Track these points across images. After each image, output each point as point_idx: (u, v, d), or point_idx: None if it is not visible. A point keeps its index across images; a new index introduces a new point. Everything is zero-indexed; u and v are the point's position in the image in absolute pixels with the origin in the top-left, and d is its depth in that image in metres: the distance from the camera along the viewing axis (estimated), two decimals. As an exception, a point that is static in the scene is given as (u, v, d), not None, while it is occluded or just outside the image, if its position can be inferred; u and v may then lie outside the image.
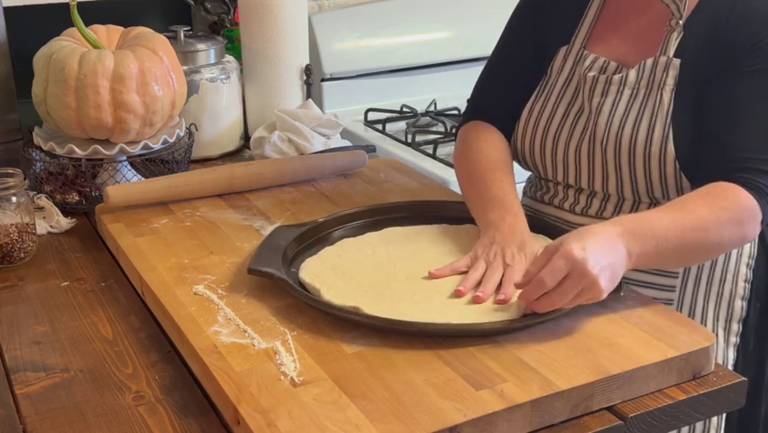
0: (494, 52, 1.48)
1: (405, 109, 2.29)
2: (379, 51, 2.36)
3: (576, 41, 1.38)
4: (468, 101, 1.50)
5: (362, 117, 2.27)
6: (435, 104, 2.33)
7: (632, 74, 1.30)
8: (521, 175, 1.49)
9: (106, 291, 1.31)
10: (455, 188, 1.75)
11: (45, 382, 1.08)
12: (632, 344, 1.06)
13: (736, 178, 1.20)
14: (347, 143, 1.89)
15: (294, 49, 1.90)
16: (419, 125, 2.23)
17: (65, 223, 1.53)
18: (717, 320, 1.34)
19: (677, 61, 1.26)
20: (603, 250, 1.06)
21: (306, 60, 1.93)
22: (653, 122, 1.26)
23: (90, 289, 1.32)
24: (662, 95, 1.27)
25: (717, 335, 1.33)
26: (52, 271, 1.38)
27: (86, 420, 1.01)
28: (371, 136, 2.17)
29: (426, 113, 2.29)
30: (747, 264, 1.34)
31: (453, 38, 2.44)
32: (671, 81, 1.26)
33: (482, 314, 1.10)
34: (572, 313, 1.11)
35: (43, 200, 1.55)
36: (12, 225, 1.38)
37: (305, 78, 1.93)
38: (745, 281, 1.34)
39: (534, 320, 1.08)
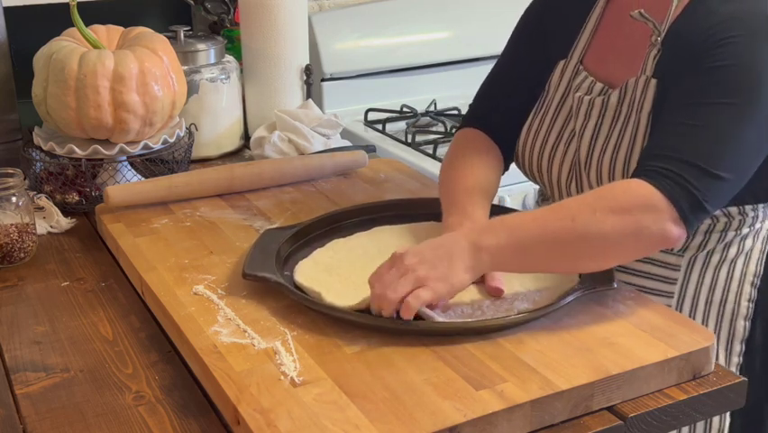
0: (497, 62, 1.46)
1: (405, 109, 2.29)
2: (379, 51, 2.36)
3: (573, 56, 1.34)
4: (469, 106, 1.48)
5: (362, 117, 2.27)
6: (435, 104, 2.33)
7: (613, 96, 1.25)
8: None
9: (106, 291, 1.31)
10: (455, 188, 1.75)
11: (45, 382, 1.08)
12: (632, 344, 1.05)
13: (643, 169, 1.12)
14: (347, 143, 1.89)
15: (294, 49, 1.90)
16: (419, 125, 2.23)
17: (65, 223, 1.53)
18: (718, 340, 1.30)
19: (654, 81, 1.21)
20: (430, 246, 1.08)
21: (306, 60, 1.93)
22: (632, 147, 1.22)
23: (90, 289, 1.32)
24: (639, 117, 1.22)
25: (717, 355, 1.28)
26: (52, 271, 1.38)
27: (86, 420, 1.01)
28: (371, 136, 2.17)
29: (426, 113, 2.29)
30: (752, 283, 1.29)
31: (453, 38, 2.44)
32: (648, 103, 1.21)
33: (494, 310, 1.10)
34: (572, 313, 1.11)
35: (43, 200, 1.55)
36: (12, 225, 1.38)
37: (305, 78, 1.93)
38: (749, 301, 1.29)
39: (533, 316, 1.08)
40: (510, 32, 1.47)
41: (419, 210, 1.39)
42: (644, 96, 1.22)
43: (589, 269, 1.13)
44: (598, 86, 1.29)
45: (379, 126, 2.23)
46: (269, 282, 1.16)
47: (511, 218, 1.11)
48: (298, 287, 1.18)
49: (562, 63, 1.35)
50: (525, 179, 1.52)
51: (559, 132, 1.33)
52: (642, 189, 1.09)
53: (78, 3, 1.55)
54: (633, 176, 1.12)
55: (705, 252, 1.27)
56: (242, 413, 0.94)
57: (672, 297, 1.29)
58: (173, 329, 1.14)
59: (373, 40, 2.36)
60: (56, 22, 1.69)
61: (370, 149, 1.87)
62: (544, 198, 1.43)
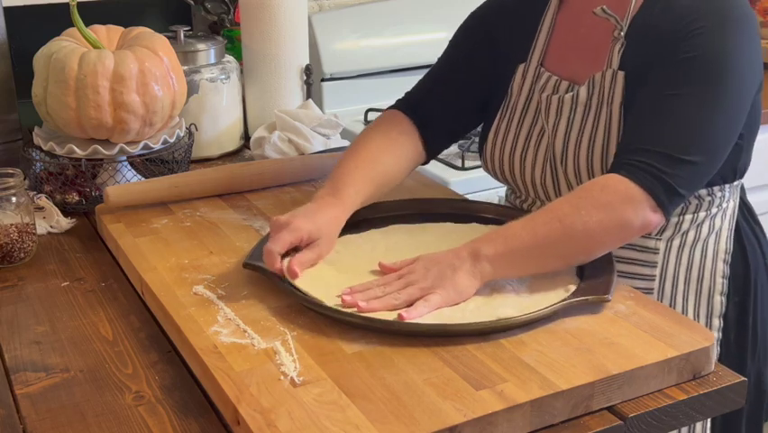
0: (440, 56, 1.47)
1: (405, 109, 2.29)
2: (379, 51, 2.36)
3: (533, 59, 1.37)
4: (406, 92, 1.49)
5: (362, 117, 2.27)
6: (435, 104, 2.32)
7: (582, 91, 1.29)
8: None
9: (106, 291, 1.31)
10: (455, 187, 1.76)
11: (45, 382, 1.08)
12: (632, 344, 1.06)
13: (619, 164, 1.17)
14: (347, 143, 1.89)
15: (294, 49, 1.90)
16: (419, 125, 2.23)
17: (65, 223, 1.53)
18: (698, 317, 1.34)
19: (621, 74, 1.25)
20: (433, 260, 1.14)
21: (306, 60, 1.93)
22: (607, 138, 1.26)
23: (90, 289, 1.32)
24: (611, 110, 1.26)
25: None
26: (52, 271, 1.38)
27: (86, 420, 1.01)
28: (371, 136, 2.17)
29: (426, 113, 2.28)
30: (724, 260, 1.34)
31: (453, 38, 2.44)
32: (618, 95, 1.25)
33: (481, 313, 1.10)
34: (572, 313, 1.11)
35: (43, 200, 1.55)
36: (12, 225, 1.38)
37: (305, 78, 1.93)
38: (723, 277, 1.34)
39: (532, 316, 1.08)
40: None
41: (437, 210, 1.38)
42: (613, 89, 1.26)
43: (580, 262, 1.18)
44: (564, 84, 1.33)
45: (379, 126, 2.22)
46: (266, 273, 1.17)
47: (505, 229, 1.16)
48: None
49: (522, 67, 1.38)
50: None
51: (528, 132, 1.36)
52: (620, 185, 1.15)
53: (78, 3, 1.55)
54: (610, 170, 1.18)
55: (680, 233, 1.32)
56: (242, 413, 0.94)
57: (654, 279, 1.32)
58: (173, 329, 1.14)
59: (373, 40, 2.36)
60: (56, 22, 1.69)
61: (370, 149, 1.87)
62: (516, 196, 1.46)
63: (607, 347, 1.05)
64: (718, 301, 1.34)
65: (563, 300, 1.11)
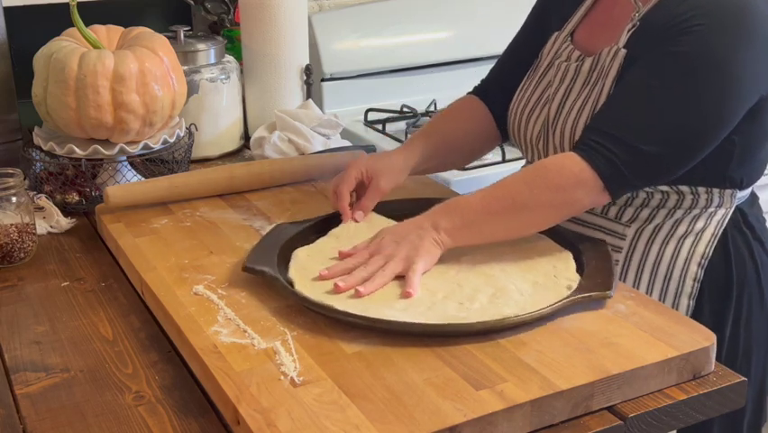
0: (512, 39, 1.55)
1: (405, 109, 2.29)
2: (379, 51, 2.36)
3: (566, 28, 1.41)
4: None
5: (362, 117, 2.27)
6: (435, 104, 2.33)
7: (587, 64, 1.32)
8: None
9: (106, 291, 1.31)
10: (456, 187, 1.76)
11: (45, 382, 1.09)
12: (632, 344, 1.06)
13: (581, 142, 1.23)
14: (347, 143, 1.89)
15: (294, 49, 1.90)
16: (419, 125, 2.23)
17: (65, 223, 1.53)
18: None
19: (623, 51, 1.27)
20: (401, 232, 1.22)
21: (306, 60, 1.93)
22: (593, 112, 1.28)
23: (90, 289, 1.32)
24: (604, 84, 1.28)
25: None
26: (52, 271, 1.38)
27: (86, 420, 1.01)
28: (371, 136, 2.17)
29: (426, 113, 2.29)
30: (699, 264, 1.31)
31: (453, 38, 2.44)
32: (614, 71, 1.27)
33: (480, 313, 1.10)
34: (572, 313, 1.11)
35: (43, 200, 1.55)
36: (12, 225, 1.38)
37: (305, 78, 1.93)
38: (694, 280, 1.31)
39: (531, 316, 1.08)
40: (510, 33, 1.54)
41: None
42: (612, 65, 1.28)
43: (530, 233, 1.26)
44: (576, 53, 1.36)
45: (379, 126, 2.22)
46: (266, 276, 1.17)
47: (463, 202, 1.23)
48: (290, 280, 1.19)
49: (555, 34, 1.42)
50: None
51: (539, 96, 1.40)
52: (574, 166, 1.20)
53: (78, 3, 1.55)
54: (573, 148, 1.23)
55: (652, 225, 1.32)
56: (242, 413, 0.94)
57: (617, 264, 1.33)
58: (173, 329, 1.14)
59: (373, 40, 2.36)
60: (56, 22, 1.69)
61: (370, 149, 1.87)
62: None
63: (607, 347, 1.05)
64: (685, 304, 1.32)
65: (567, 298, 1.11)
